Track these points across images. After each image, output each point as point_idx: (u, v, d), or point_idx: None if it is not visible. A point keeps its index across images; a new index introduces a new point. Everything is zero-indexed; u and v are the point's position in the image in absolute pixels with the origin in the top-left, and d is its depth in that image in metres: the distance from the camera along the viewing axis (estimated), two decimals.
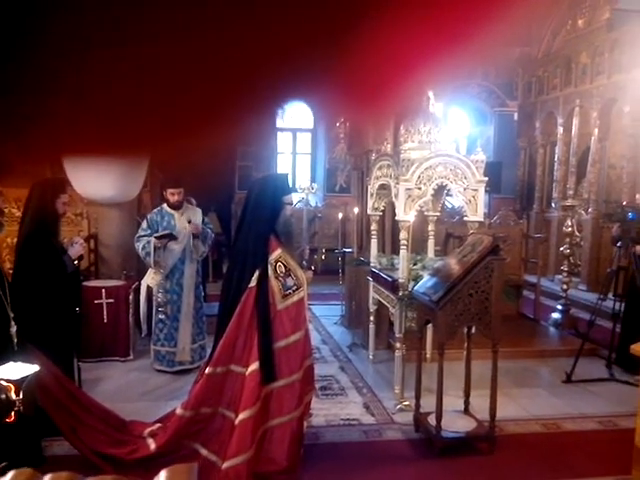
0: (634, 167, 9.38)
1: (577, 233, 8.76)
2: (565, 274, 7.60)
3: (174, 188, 5.63)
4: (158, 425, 3.69)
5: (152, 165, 7.56)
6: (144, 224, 5.67)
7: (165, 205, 5.72)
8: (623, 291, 6.03)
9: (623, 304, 5.91)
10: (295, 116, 13.33)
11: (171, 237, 5.51)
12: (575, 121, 10.45)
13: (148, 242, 5.50)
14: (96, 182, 6.36)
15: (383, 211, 6.18)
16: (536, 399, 5.23)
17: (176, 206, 5.66)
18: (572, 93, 10.66)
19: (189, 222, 5.62)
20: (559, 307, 7.61)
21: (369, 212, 6.11)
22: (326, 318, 7.89)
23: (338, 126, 11.93)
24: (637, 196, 6.53)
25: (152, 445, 3.52)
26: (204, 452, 3.49)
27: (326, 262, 10.02)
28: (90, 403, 3.66)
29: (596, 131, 10.02)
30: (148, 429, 3.65)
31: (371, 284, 5.92)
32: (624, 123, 9.56)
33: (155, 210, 5.79)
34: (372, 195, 5.97)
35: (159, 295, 5.63)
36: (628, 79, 9.21)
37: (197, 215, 5.82)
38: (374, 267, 5.85)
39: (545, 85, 11.76)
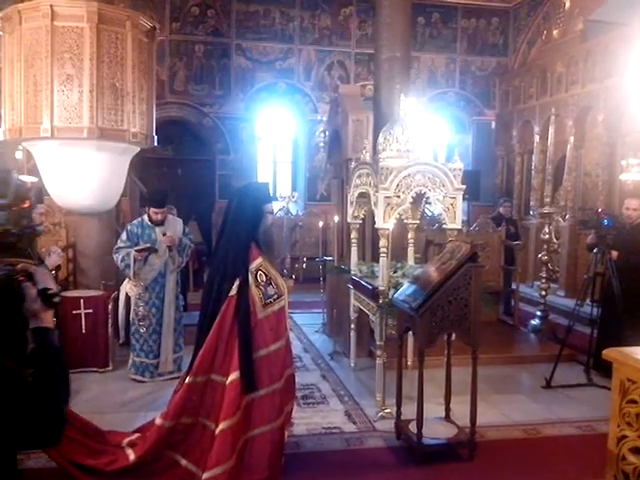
0: (609, 175, 9.55)
1: (555, 240, 8.86)
2: (543, 280, 7.69)
3: (158, 208, 5.61)
4: (137, 435, 3.64)
5: (132, 174, 7.52)
6: (123, 235, 5.62)
7: (146, 217, 5.68)
8: (599, 297, 6.10)
9: (599, 310, 5.98)
10: (275, 125, 13.38)
11: (151, 250, 5.47)
12: (551, 129, 10.56)
13: (127, 254, 5.45)
14: (74, 191, 6.30)
15: (363, 219, 6.21)
16: (516, 405, 5.27)
17: (158, 223, 5.65)
18: (548, 102, 10.83)
19: (164, 235, 5.59)
20: (538, 313, 7.69)
21: (349, 220, 6.14)
22: (307, 326, 7.88)
23: (318, 135, 11.99)
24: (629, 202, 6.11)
25: (131, 455, 3.48)
26: (184, 462, 3.46)
27: (307, 270, 10.03)
28: (67, 414, 3.60)
29: (572, 139, 10.19)
30: (127, 439, 3.60)
31: (352, 292, 5.93)
32: (599, 131, 9.73)
33: (135, 222, 5.73)
34: (352, 203, 6.00)
35: (139, 309, 5.59)
36: (602, 88, 9.39)
37: (178, 227, 5.79)
38: (354, 275, 5.86)
39: (522, 94, 11.93)
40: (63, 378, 1.59)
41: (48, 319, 1.60)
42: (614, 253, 5.77)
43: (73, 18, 5.86)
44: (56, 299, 1.62)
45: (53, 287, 1.62)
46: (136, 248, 5.45)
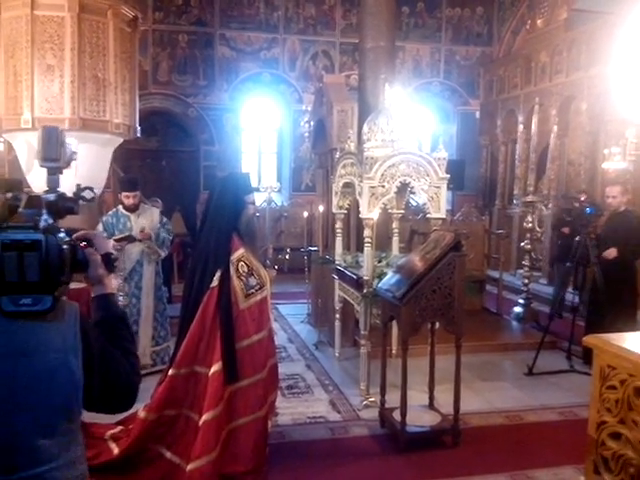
0: (592, 163, 9.61)
1: (538, 228, 8.92)
2: (526, 269, 7.75)
3: (129, 192, 5.53)
4: (120, 428, 3.62)
5: (114, 165, 7.46)
6: (99, 227, 5.54)
7: (120, 207, 5.62)
8: (587, 285, 6.08)
9: (581, 297, 6.02)
10: (260, 116, 13.31)
11: (130, 239, 5.41)
12: (535, 119, 10.65)
13: None
14: None
15: (348, 209, 6.21)
16: (499, 392, 5.32)
17: (132, 209, 5.59)
18: (532, 91, 10.87)
19: (142, 231, 5.51)
20: (521, 301, 7.76)
21: (334, 210, 6.13)
22: (292, 317, 7.89)
23: (303, 125, 11.95)
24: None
25: (115, 449, 3.46)
26: (168, 455, 3.44)
27: (292, 261, 10.03)
28: None
29: (555, 128, 10.24)
30: (110, 432, 3.59)
31: (336, 282, 5.94)
32: (582, 120, 9.79)
33: (110, 212, 5.67)
34: (336, 193, 5.99)
35: (119, 299, 5.52)
36: (585, 77, 9.44)
37: (154, 216, 5.73)
38: (339, 265, 5.87)
39: (506, 84, 11.95)
40: (132, 340, 1.67)
41: (110, 284, 1.65)
42: (611, 251, 5.69)
43: (54, 7, 5.79)
44: (116, 263, 1.68)
45: (113, 252, 1.67)
46: (114, 237, 5.36)
